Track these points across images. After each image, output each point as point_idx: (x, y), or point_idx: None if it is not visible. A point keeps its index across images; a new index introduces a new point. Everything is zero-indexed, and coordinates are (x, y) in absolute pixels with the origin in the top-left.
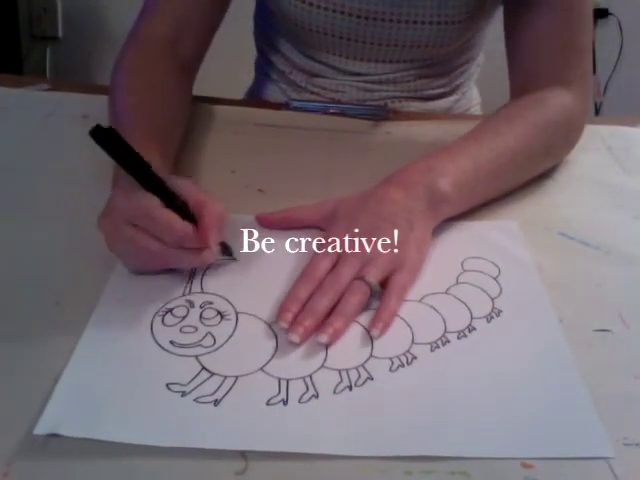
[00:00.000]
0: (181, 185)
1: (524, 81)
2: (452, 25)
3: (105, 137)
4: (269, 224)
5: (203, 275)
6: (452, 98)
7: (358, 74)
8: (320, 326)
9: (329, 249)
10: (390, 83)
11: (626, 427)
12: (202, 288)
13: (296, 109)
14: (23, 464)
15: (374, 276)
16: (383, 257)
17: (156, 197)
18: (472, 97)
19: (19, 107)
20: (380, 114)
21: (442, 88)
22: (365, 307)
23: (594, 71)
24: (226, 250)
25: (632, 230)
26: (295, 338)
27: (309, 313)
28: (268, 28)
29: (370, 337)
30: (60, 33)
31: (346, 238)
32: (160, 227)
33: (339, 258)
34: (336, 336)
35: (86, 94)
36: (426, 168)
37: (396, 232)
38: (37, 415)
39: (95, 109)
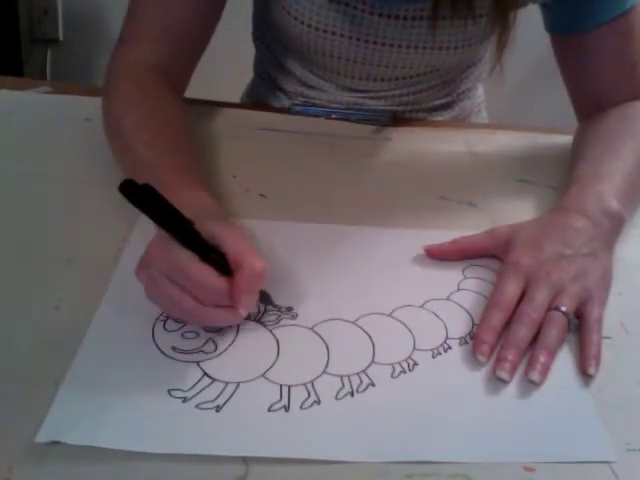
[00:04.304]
0: (222, 233)
1: (595, 102)
2: (454, 50)
3: (135, 192)
4: (442, 256)
5: None
6: (460, 105)
7: (359, 90)
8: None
9: (516, 275)
10: (391, 98)
11: (629, 433)
12: None
13: (298, 113)
14: (24, 469)
15: (569, 307)
16: (574, 287)
17: (192, 252)
18: (476, 96)
19: (21, 110)
20: (382, 120)
21: (449, 97)
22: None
23: None
24: (264, 299)
25: (632, 238)
26: (505, 376)
27: (512, 346)
28: (268, 37)
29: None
30: (61, 35)
31: (533, 263)
32: (194, 284)
33: (527, 284)
34: (546, 372)
35: (89, 97)
36: (594, 193)
37: (582, 261)
38: (38, 419)
39: (98, 112)
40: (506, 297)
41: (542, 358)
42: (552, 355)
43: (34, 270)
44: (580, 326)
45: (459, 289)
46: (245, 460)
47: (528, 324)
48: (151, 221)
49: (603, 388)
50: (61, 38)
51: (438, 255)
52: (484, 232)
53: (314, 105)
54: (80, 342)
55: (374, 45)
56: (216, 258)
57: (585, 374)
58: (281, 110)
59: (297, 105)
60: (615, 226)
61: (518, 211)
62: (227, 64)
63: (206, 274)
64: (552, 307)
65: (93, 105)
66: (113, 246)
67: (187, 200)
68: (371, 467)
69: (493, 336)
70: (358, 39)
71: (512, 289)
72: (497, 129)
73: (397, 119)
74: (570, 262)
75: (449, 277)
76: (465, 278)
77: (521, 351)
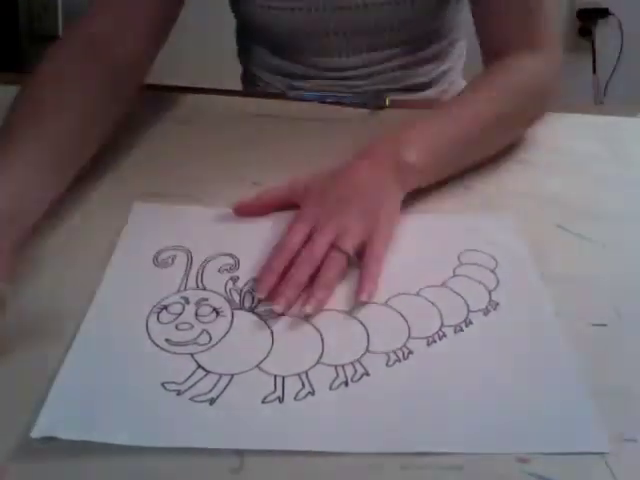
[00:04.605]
0: None
1: (493, 49)
2: (410, 4)
3: None
4: (248, 212)
5: (199, 271)
6: (439, 88)
7: (338, 69)
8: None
9: (302, 222)
10: (372, 76)
11: (622, 422)
12: (198, 284)
13: (291, 98)
14: (19, 466)
15: (350, 246)
16: (356, 227)
17: None
18: (460, 86)
19: None
20: (376, 103)
21: (426, 76)
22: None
23: (594, 71)
24: None
25: (628, 223)
26: (278, 308)
27: (290, 283)
28: (247, 42)
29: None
30: (60, 32)
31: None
32: None
33: (313, 231)
34: (320, 307)
35: None
36: (392, 140)
37: (367, 202)
38: (33, 416)
39: None
40: (290, 242)
41: (319, 294)
42: (329, 292)
43: (28, 264)
44: (360, 260)
45: (454, 275)
46: (240, 453)
47: (306, 261)
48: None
49: (596, 376)
50: (61, 35)
51: (245, 213)
52: (286, 183)
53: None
54: (73, 336)
55: (341, 10)
56: None
57: (356, 301)
58: (275, 95)
59: (291, 90)
60: (403, 174)
61: (515, 193)
62: (225, 60)
63: None
64: (333, 248)
65: None
66: (107, 240)
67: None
68: (366, 459)
69: (273, 277)
70: (325, 9)
71: (298, 236)
72: None
73: (390, 102)
74: (353, 205)
75: (444, 263)
76: (461, 264)
77: (298, 286)
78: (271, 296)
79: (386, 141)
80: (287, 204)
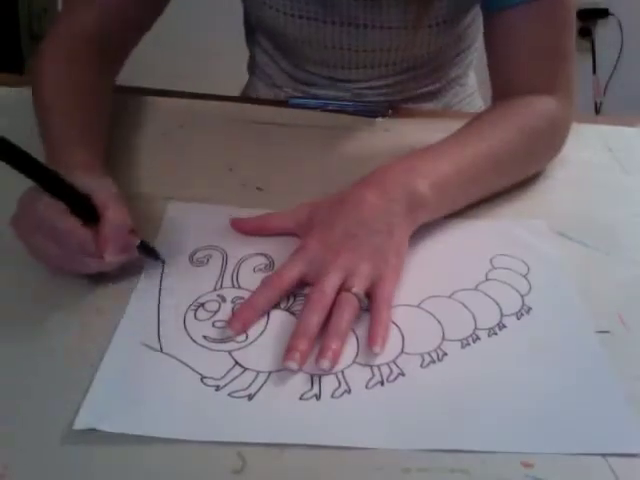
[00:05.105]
0: (92, 186)
1: (506, 86)
2: (428, 29)
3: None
4: (244, 230)
5: (235, 270)
6: (451, 92)
7: (349, 81)
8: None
9: (303, 257)
10: (383, 88)
11: None
12: (233, 283)
13: (295, 106)
14: (19, 466)
15: (360, 287)
16: (365, 267)
17: (61, 202)
18: (468, 85)
19: (20, 106)
20: (379, 111)
21: (438, 83)
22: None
23: (594, 71)
24: (150, 252)
25: (631, 230)
26: (293, 365)
27: (302, 335)
28: (257, 35)
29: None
30: None
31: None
32: (60, 235)
33: (317, 269)
34: (336, 359)
35: None
36: (404, 169)
37: (375, 239)
38: (40, 414)
39: None
40: (282, 280)
41: (333, 345)
42: (343, 339)
43: (32, 268)
44: (370, 305)
45: (487, 279)
46: (241, 454)
47: (316, 310)
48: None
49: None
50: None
51: (240, 230)
52: (290, 210)
53: (311, 98)
54: (112, 333)
55: (349, 27)
56: (80, 208)
57: (371, 352)
58: (278, 103)
59: (294, 98)
60: (414, 205)
61: (515, 199)
62: (226, 63)
63: (71, 224)
64: (343, 289)
65: None
66: None
67: (66, 158)
68: (368, 460)
69: (251, 315)
70: (333, 22)
71: (290, 273)
72: None
73: (394, 110)
74: (361, 241)
75: (477, 267)
76: (493, 268)
77: (311, 338)
78: (286, 351)
79: (397, 170)
80: (288, 233)
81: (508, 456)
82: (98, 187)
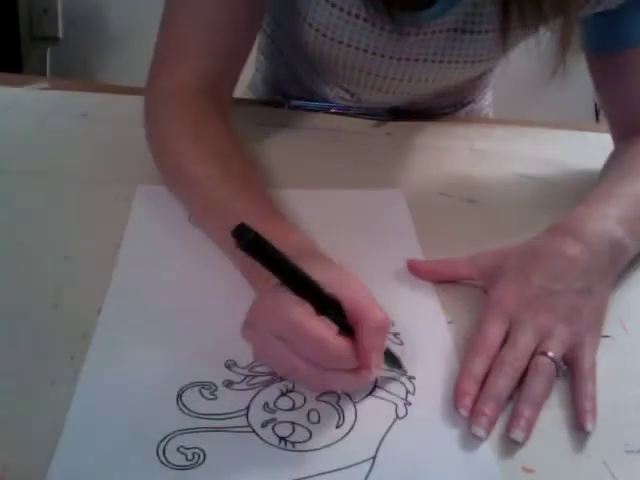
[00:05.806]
0: (337, 280)
1: (630, 125)
2: (471, 64)
3: (246, 238)
4: (420, 274)
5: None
6: (465, 109)
7: (368, 100)
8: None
9: (500, 314)
10: (396, 104)
11: (627, 434)
12: None
13: (297, 108)
14: (17, 468)
15: (557, 352)
16: (563, 329)
17: (307, 303)
18: (485, 99)
19: (19, 106)
20: (382, 114)
21: (459, 103)
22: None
23: None
24: (393, 361)
25: None
26: (480, 432)
27: (490, 399)
28: (284, 44)
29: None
30: (60, 34)
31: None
32: (312, 344)
33: (511, 325)
34: (530, 429)
35: (85, 92)
36: (598, 216)
37: (577, 299)
38: (38, 420)
39: (94, 108)
40: (488, 342)
41: (526, 413)
42: (538, 408)
43: (32, 267)
44: (572, 375)
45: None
46: None
47: (509, 373)
48: (259, 263)
49: (602, 388)
50: (61, 36)
51: (416, 273)
52: (469, 257)
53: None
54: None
55: (390, 60)
56: (335, 312)
57: (581, 430)
58: (280, 105)
59: (296, 99)
60: (616, 255)
61: (519, 208)
62: None
63: (325, 331)
64: (538, 352)
65: (89, 101)
66: (111, 242)
67: (284, 241)
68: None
69: (475, 387)
70: (374, 53)
71: (494, 332)
72: (497, 124)
73: (397, 113)
74: (560, 300)
75: None
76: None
77: (500, 404)
78: (473, 415)
79: (593, 217)
80: (469, 280)
81: (509, 461)
82: (341, 279)
